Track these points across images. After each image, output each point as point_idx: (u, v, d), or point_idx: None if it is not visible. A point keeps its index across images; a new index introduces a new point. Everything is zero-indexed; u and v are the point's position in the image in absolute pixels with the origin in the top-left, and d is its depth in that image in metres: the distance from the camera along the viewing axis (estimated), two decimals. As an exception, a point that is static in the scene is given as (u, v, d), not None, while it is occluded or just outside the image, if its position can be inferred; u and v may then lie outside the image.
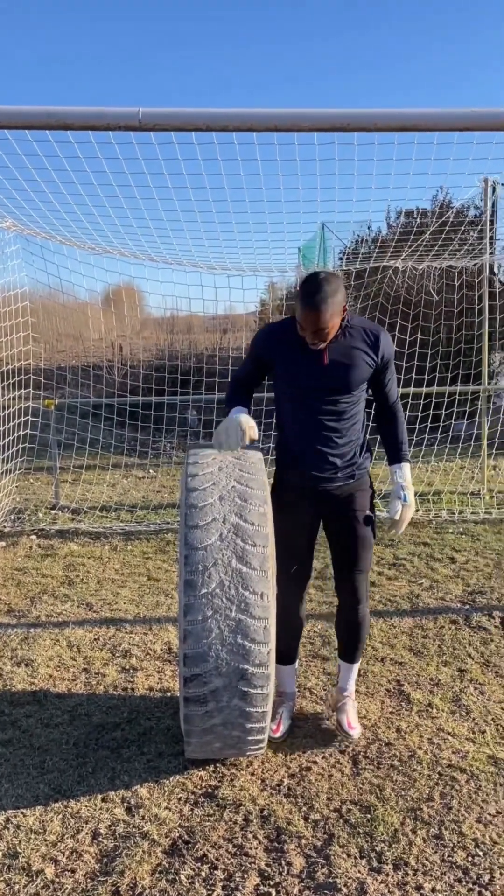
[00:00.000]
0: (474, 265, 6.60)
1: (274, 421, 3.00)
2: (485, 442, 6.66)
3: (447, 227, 6.66)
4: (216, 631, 2.42)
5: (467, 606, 4.29)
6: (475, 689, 3.33)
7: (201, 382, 10.44)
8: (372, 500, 2.94)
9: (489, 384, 7.33)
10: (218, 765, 2.78)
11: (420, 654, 3.70)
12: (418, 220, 8.89)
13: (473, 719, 3.08)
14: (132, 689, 3.36)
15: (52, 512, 6.35)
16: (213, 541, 2.47)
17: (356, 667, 3.08)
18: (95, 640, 3.88)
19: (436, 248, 6.46)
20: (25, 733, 3.01)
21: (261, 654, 2.44)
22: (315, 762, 2.81)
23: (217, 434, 2.71)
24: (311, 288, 2.51)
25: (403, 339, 6.83)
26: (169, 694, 3.31)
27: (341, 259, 10.99)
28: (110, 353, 12.71)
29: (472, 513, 6.17)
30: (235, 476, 2.63)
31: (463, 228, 6.93)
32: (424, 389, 6.45)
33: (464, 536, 5.61)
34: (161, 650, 3.75)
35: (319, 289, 2.50)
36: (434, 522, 5.98)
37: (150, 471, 8.11)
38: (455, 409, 7.16)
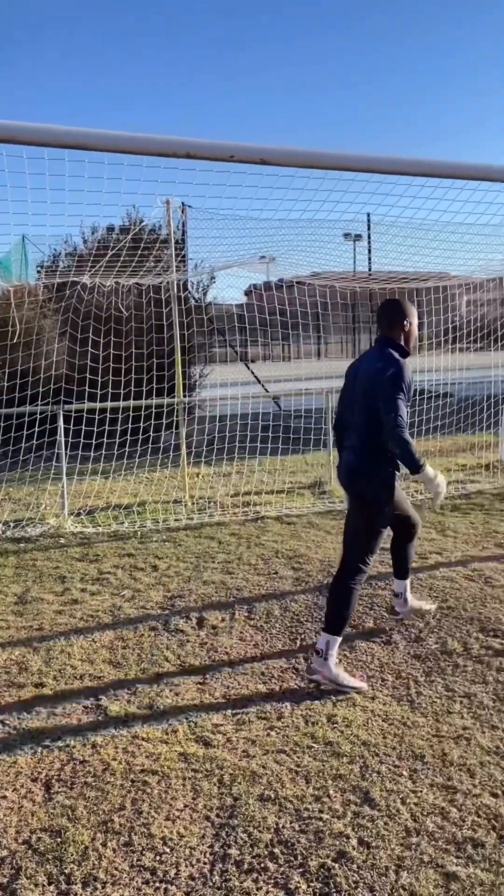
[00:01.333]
0: (161, 283, 6.87)
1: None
2: (183, 451, 6.96)
3: (129, 245, 6.83)
4: None
5: (167, 612, 4.43)
6: (171, 690, 3.44)
7: None
8: None
9: (190, 395, 7.67)
10: None
11: (119, 665, 3.73)
12: (113, 236, 9.02)
13: (168, 720, 3.19)
14: None
15: None
16: None
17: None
18: None
19: (120, 264, 6.60)
20: None
21: None
22: (5, 796, 2.69)
23: (437, 486, 3.42)
24: None
25: (97, 354, 6.86)
26: None
27: (39, 272, 10.75)
28: None
29: (176, 520, 6.41)
30: None
31: (142, 247, 7.16)
32: (122, 403, 6.56)
33: (167, 543, 5.80)
34: None
35: None
36: (139, 533, 6.10)
37: None
38: (153, 421, 7.40)
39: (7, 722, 3.20)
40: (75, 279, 6.59)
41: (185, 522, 6.35)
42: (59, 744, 3.01)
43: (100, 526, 6.31)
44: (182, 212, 8.20)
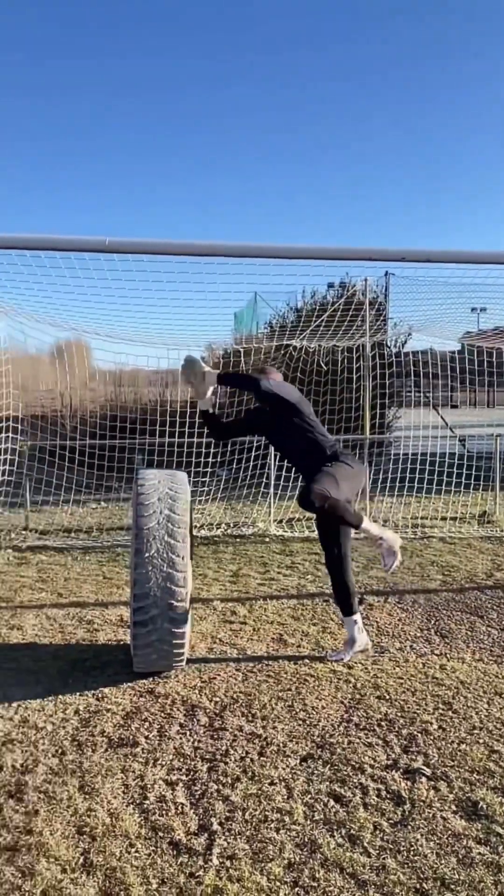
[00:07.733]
0: (354, 345, 8.47)
1: None
2: (368, 482, 8.43)
3: (341, 307, 8.52)
4: (154, 579, 3.97)
5: (338, 593, 5.88)
6: (331, 637, 4.90)
7: (145, 430, 11.98)
8: None
9: (383, 434, 9.11)
10: (155, 675, 4.27)
11: (298, 619, 5.26)
12: (329, 299, 10.77)
13: (323, 652, 4.65)
14: (95, 641, 4.83)
15: (23, 532, 7.78)
16: (153, 524, 4.04)
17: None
18: (66, 614, 5.34)
19: (328, 324, 8.30)
20: (23, 663, 4.45)
21: (181, 593, 3.99)
22: (218, 675, 4.33)
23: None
24: None
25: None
26: (122, 643, 4.79)
27: (266, 329, 12.84)
28: (59, 403, 14.06)
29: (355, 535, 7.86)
30: (168, 485, 4.22)
31: (352, 310, 8.83)
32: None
33: (348, 550, 7.27)
34: (115, 619, 5.24)
35: None
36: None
37: (101, 503, 9.60)
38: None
39: (222, 640, 4.87)
40: (288, 342, 8.40)
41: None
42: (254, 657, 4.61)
43: (296, 531, 7.95)
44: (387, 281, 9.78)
